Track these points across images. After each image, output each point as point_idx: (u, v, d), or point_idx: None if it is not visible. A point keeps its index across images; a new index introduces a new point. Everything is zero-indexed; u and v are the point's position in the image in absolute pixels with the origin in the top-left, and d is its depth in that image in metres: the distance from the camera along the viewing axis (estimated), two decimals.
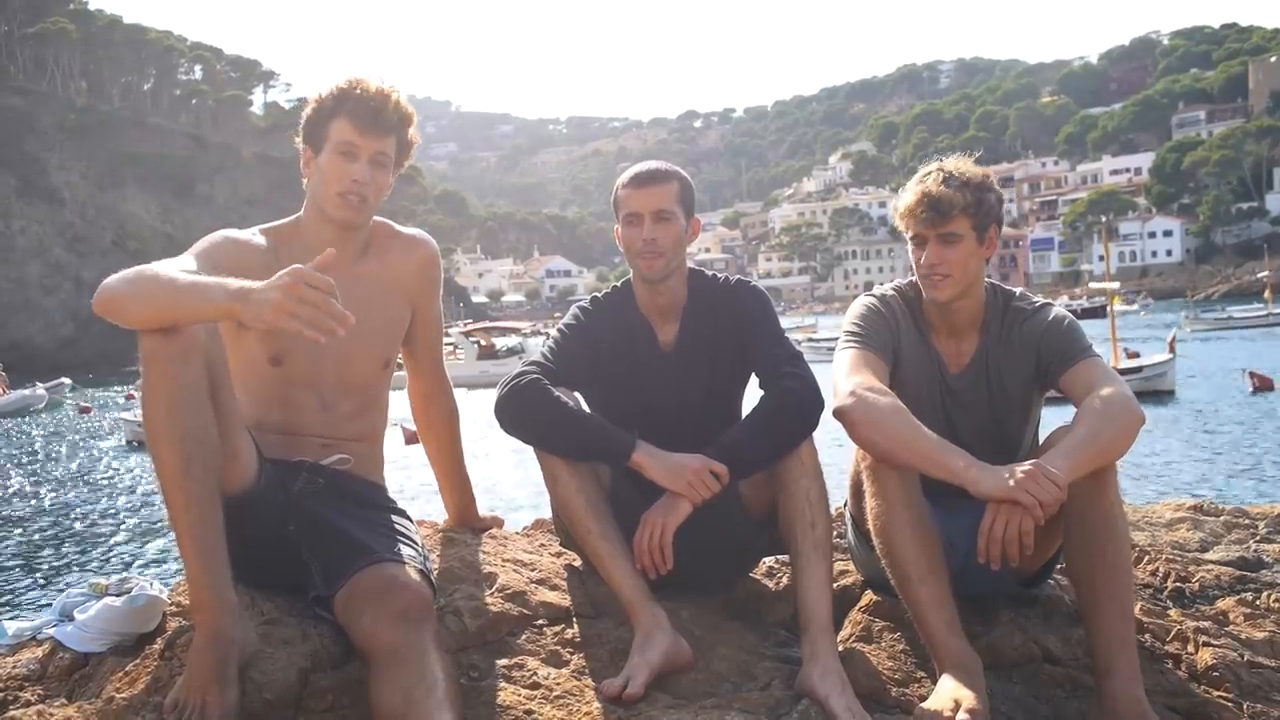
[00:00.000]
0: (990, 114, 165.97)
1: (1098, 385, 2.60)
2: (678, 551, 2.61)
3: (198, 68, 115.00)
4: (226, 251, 2.62)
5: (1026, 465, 2.39)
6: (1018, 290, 2.95)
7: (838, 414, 2.64)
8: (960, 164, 2.81)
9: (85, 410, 38.98)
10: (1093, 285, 45.57)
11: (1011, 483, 2.36)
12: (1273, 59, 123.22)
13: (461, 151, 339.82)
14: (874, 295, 2.95)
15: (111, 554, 15.42)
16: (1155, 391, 27.05)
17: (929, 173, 2.80)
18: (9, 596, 13.16)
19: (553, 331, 3.02)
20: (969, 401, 2.87)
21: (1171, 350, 28.23)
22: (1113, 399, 2.54)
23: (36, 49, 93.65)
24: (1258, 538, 3.61)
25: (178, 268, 2.37)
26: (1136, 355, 29.02)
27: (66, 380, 46.50)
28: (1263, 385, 27.72)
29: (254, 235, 2.80)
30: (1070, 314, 2.88)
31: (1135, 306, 71.37)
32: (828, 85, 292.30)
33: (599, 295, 3.06)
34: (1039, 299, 2.93)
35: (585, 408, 2.86)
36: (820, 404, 2.69)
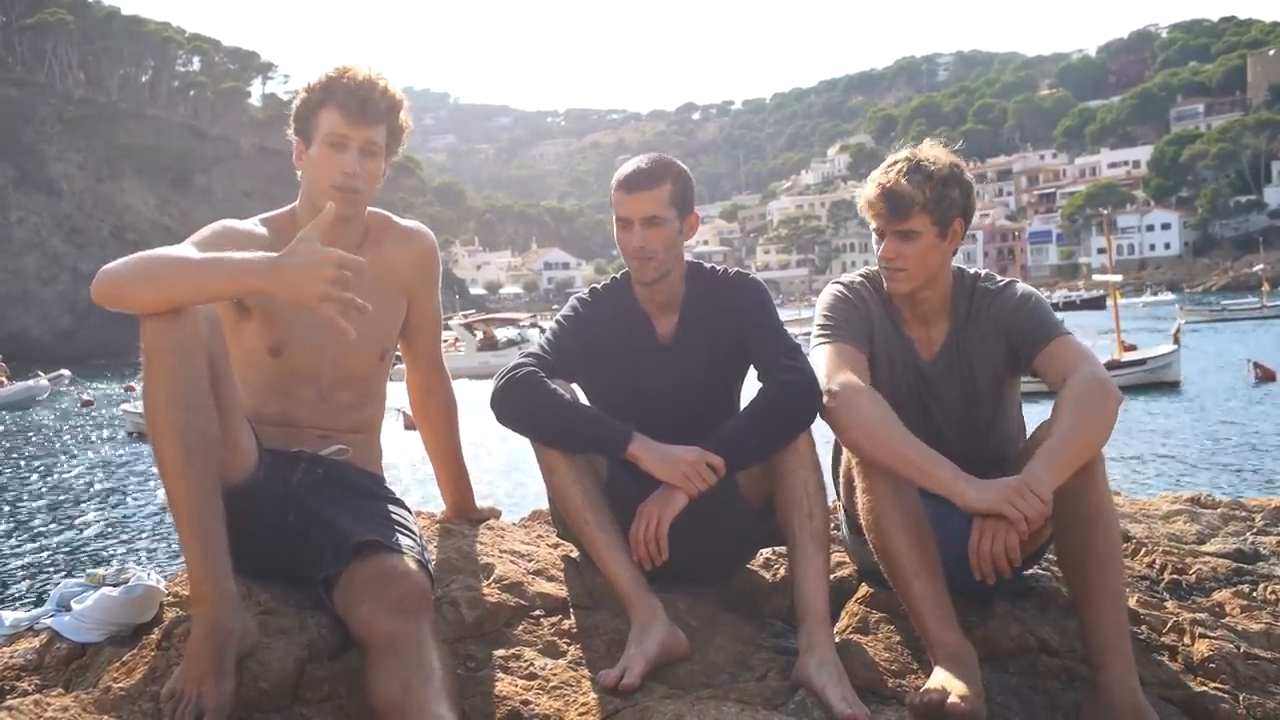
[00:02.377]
0: (988, 106, 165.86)
1: (1071, 369, 2.59)
2: (674, 542, 2.61)
3: (196, 59, 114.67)
4: (228, 240, 2.62)
5: (1012, 480, 2.40)
6: (983, 271, 2.94)
7: (823, 414, 2.64)
8: (931, 152, 2.77)
9: (88, 404, 38.96)
10: (1096, 278, 45.62)
11: (996, 497, 2.38)
12: (1271, 52, 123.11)
13: (460, 143, 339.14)
14: (842, 283, 2.93)
15: (109, 545, 15.43)
16: (1160, 383, 27.07)
17: (894, 163, 2.76)
18: (7, 587, 13.16)
19: (550, 323, 3.01)
20: (942, 387, 2.87)
21: (1176, 341, 28.23)
22: (1087, 386, 2.53)
23: (34, 40, 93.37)
24: (1254, 530, 3.62)
25: (182, 251, 2.37)
26: (1133, 348, 29.02)
27: (66, 372, 46.37)
28: (1265, 376, 27.75)
29: (254, 225, 2.79)
30: (1035, 291, 2.87)
31: (1160, 298, 71.48)
32: (826, 77, 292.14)
33: (598, 287, 3.06)
34: (1002, 278, 2.91)
35: (583, 399, 2.86)
36: (818, 396, 2.67)
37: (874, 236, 2.83)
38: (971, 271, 2.92)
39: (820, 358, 2.74)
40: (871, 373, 2.76)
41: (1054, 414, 2.54)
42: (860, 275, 2.95)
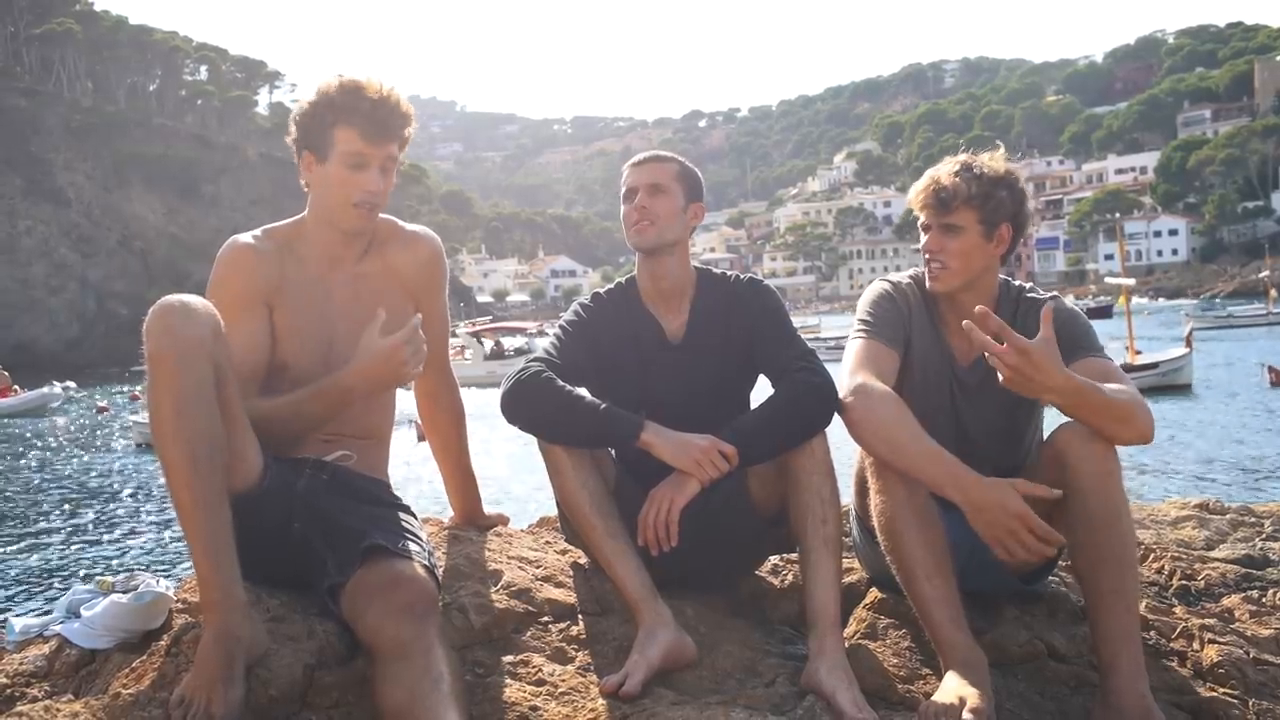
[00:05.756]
0: (995, 113, 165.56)
1: (1113, 379, 2.59)
2: (685, 546, 2.60)
3: (203, 68, 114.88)
4: (239, 274, 2.73)
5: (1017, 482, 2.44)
6: (1027, 284, 2.94)
7: (839, 410, 2.64)
8: (987, 157, 2.79)
9: (103, 410, 39.14)
10: (1109, 281, 45.64)
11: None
12: (1278, 58, 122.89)
13: (466, 151, 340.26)
14: (889, 280, 2.94)
15: (119, 551, 15.45)
16: (1173, 386, 27.02)
17: (949, 161, 2.80)
18: (17, 594, 13.19)
19: (554, 329, 3.01)
20: (978, 394, 2.85)
21: (1189, 345, 28.21)
22: (1135, 396, 2.53)
23: (42, 50, 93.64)
24: (1264, 536, 3.61)
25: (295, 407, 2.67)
26: (1140, 353, 28.99)
27: (71, 384, 46.63)
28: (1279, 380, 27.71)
29: (260, 241, 2.80)
30: (1078, 309, 2.88)
31: (1158, 303, 71.58)
32: (833, 85, 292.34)
33: (600, 291, 3.06)
34: (1048, 292, 2.92)
35: None
36: (835, 401, 2.67)
37: (921, 234, 2.84)
38: (1017, 283, 2.92)
39: (851, 351, 2.75)
40: (907, 375, 2.76)
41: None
42: (909, 276, 2.95)
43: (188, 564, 2.33)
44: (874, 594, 2.97)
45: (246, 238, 2.80)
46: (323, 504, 2.63)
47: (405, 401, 3.10)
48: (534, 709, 2.41)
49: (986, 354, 2.40)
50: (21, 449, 29.33)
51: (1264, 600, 3.05)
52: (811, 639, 2.53)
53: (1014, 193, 2.78)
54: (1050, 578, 3.03)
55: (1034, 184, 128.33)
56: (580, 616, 2.83)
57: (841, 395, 2.64)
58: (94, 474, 23.88)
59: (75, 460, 26.51)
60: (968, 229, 2.75)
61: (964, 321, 2.43)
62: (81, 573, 14.00)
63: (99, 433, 32.70)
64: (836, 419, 2.68)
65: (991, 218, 2.75)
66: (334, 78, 2.73)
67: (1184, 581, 3.20)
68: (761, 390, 2.88)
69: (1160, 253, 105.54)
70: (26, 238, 77.60)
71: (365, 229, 2.80)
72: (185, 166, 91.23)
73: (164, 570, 13.35)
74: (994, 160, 2.79)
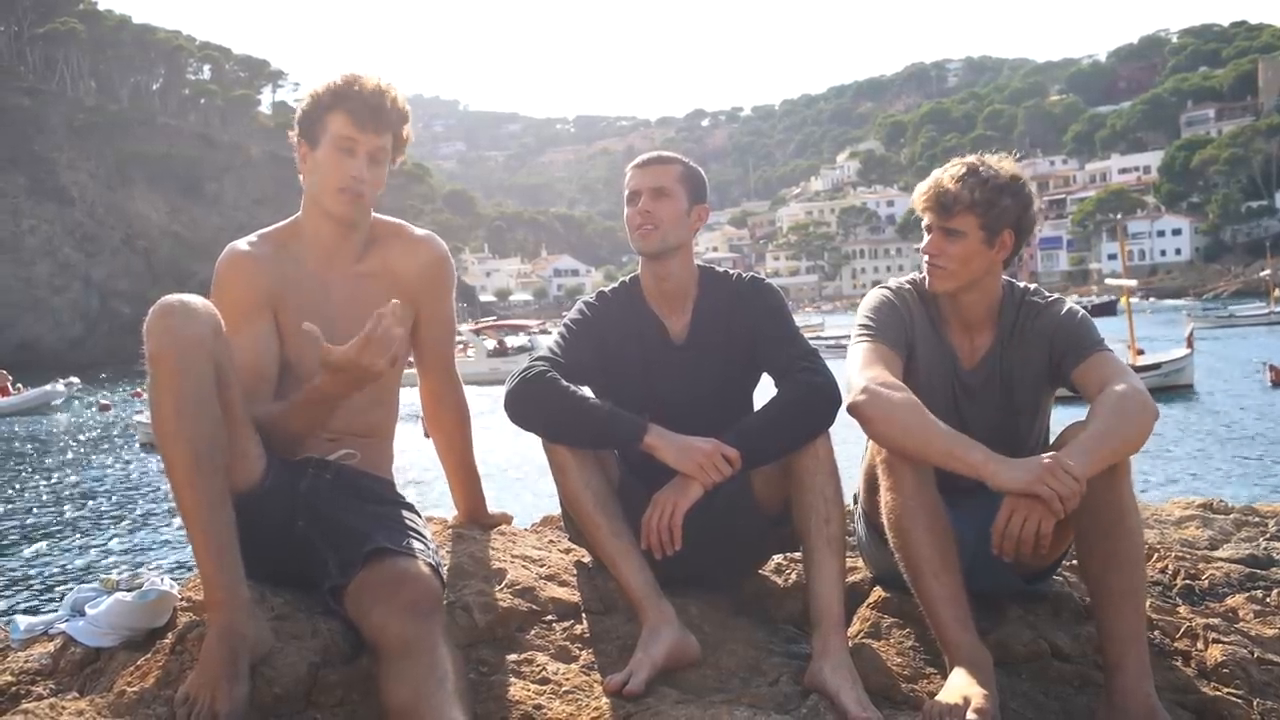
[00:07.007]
0: (998, 113, 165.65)
1: (1111, 380, 2.59)
2: (688, 546, 2.60)
3: (206, 67, 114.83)
4: (238, 281, 2.73)
5: (1044, 458, 2.38)
6: (1031, 286, 2.93)
7: (851, 409, 2.63)
8: (997, 161, 2.78)
9: (105, 407, 39.19)
10: (1109, 282, 45.67)
11: (1030, 476, 2.36)
12: None
13: (469, 150, 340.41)
14: (888, 287, 2.93)
15: (123, 549, 15.47)
16: (1174, 387, 27.04)
17: (955, 164, 2.79)
18: (21, 592, 13.21)
19: (559, 327, 3.01)
20: (981, 397, 2.85)
21: (1190, 346, 28.24)
22: (1127, 394, 2.52)
23: (45, 49, 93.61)
24: (1268, 535, 3.60)
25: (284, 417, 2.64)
26: (1141, 353, 28.99)
27: (75, 379, 46.73)
28: None
29: (256, 246, 2.80)
30: (1081, 308, 2.87)
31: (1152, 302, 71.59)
32: (835, 84, 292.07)
33: (605, 290, 3.05)
34: (1051, 294, 2.92)
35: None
36: (837, 400, 2.67)
37: (924, 233, 2.84)
38: (1021, 285, 2.92)
39: (855, 355, 2.74)
40: (910, 378, 2.75)
41: (1090, 415, 2.53)
42: (908, 281, 2.95)
43: (192, 562, 2.33)
44: (878, 593, 2.97)
45: (242, 244, 2.80)
46: (325, 504, 2.63)
47: (410, 399, 3.10)
48: (538, 707, 2.42)
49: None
50: (23, 448, 29.36)
51: (1268, 600, 3.05)
52: (815, 638, 2.53)
53: (1019, 199, 2.76)
54: (1054, 577, 3.04)
55: (1037, 183, 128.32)
56: (584, 615, 2.83)
57: (852, 397, 2.62)
58: (97, 472, 23.90)
59: (78, 458, 26.53)
60: (969, 234, 2.74)
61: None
62: (86, 571, 14.02)
63: (102, 431, 32.72)
64: (839, 418, 2.68)
65: (994, 224, 2.74)
66: (336, 74, 2.76)
67: (1188, 581, 3.19)
68: (765, 390, 2.88)
69: (1164, 252, 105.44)
70: (30, 237, 77.61)
71: (351, 218, 2.78)
72: (188, 165, 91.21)
73: (168, 568, 13.37)
74: (1002, 164, 2.78)
